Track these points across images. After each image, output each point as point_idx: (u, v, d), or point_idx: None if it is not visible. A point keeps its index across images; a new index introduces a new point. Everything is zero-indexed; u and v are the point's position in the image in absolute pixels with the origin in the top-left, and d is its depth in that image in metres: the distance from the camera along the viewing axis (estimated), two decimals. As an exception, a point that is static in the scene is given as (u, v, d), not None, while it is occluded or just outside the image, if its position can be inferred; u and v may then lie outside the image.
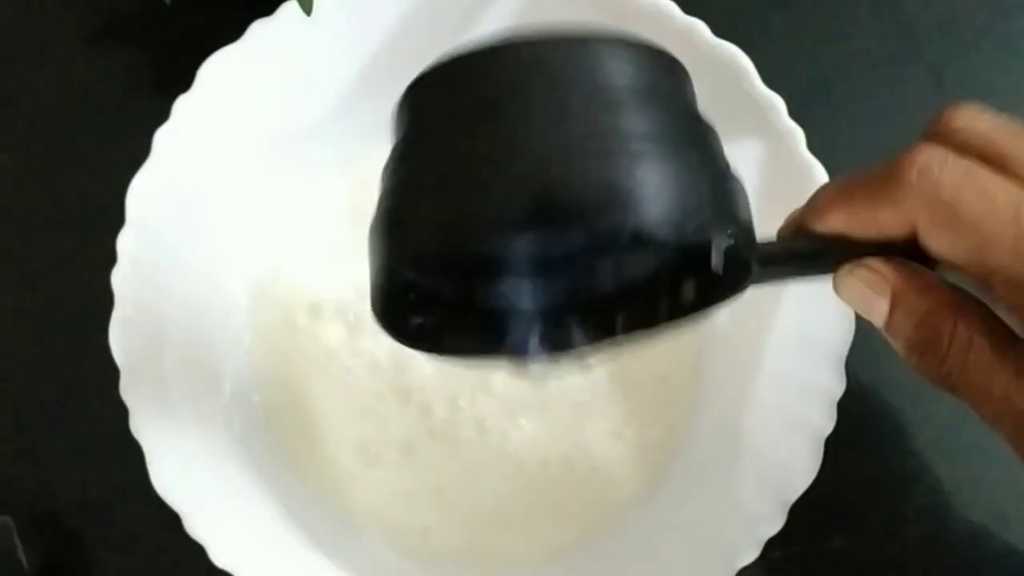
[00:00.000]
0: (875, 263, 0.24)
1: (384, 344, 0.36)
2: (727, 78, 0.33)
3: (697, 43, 0.33)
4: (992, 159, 0.22)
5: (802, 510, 0.31)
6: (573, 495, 0.35)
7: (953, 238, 0.22)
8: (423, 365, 0.35)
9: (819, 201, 0.24)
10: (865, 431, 0.37)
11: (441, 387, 0.35)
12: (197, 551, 0.30)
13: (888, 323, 0.24)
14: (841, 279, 0.24)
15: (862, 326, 0.32)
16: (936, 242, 0.22)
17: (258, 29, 0.34)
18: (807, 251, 0.25)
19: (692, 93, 0.23)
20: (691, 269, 0.24)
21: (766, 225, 0.35)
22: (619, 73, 0.21)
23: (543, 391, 0.35)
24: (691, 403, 0.36)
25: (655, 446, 0.36)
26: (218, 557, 0.30)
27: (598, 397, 0.36)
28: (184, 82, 0.33)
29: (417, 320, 0.24)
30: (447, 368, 0.35)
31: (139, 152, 0.32)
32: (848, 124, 0.39)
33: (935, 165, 0.22)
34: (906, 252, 0.23)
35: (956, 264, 0.22)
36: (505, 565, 0.35)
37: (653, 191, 0.20)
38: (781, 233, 0.26)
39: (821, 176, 0.33)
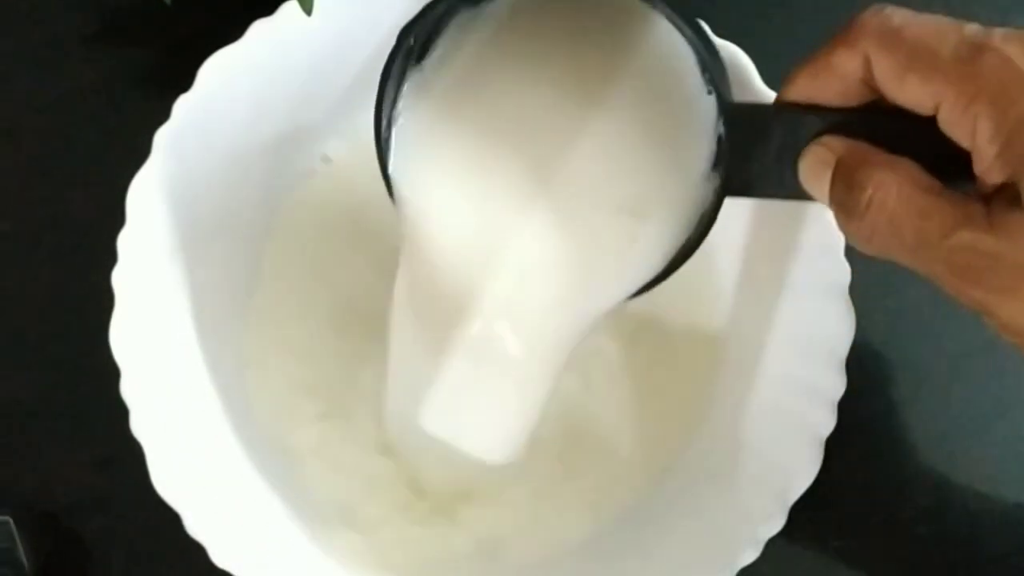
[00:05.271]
0: (826, 139, 0.26)
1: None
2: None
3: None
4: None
5: (802, 510, 0.31)
6: (573, 495, 0.35)
7: (901, 57, 0.24)
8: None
9: (789, 73, 0.26)
10: (865, 431, 0.37)
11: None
12: (197, 551, 0.30)
13: (830, 191, 0.25)
14: (801, 161, 0.26)
15: (862, 326, 0.32)
16: (885, 66, 0.24)
17: (258, 29, 0.34)
18: (777, 128, 0.27)
19: None
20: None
21: (766, 225, 0.35)
22: None
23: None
24: (692, 403, 0.36)
25: (656, 447, 0.36)
26: (218, 557, 0.30)
27: (599, 398, 0.36)
28: (184, 82, 0.33)
29: None
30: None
31: (139, 152, 0.32)
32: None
33: (886, 7, 0.25)
34: (870, 128, 0.25)
35: (906, 97, 0.24)
36: (504, 564, 0.35)
37: None
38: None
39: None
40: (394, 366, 0.32)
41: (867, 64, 0.25)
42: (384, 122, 0.28)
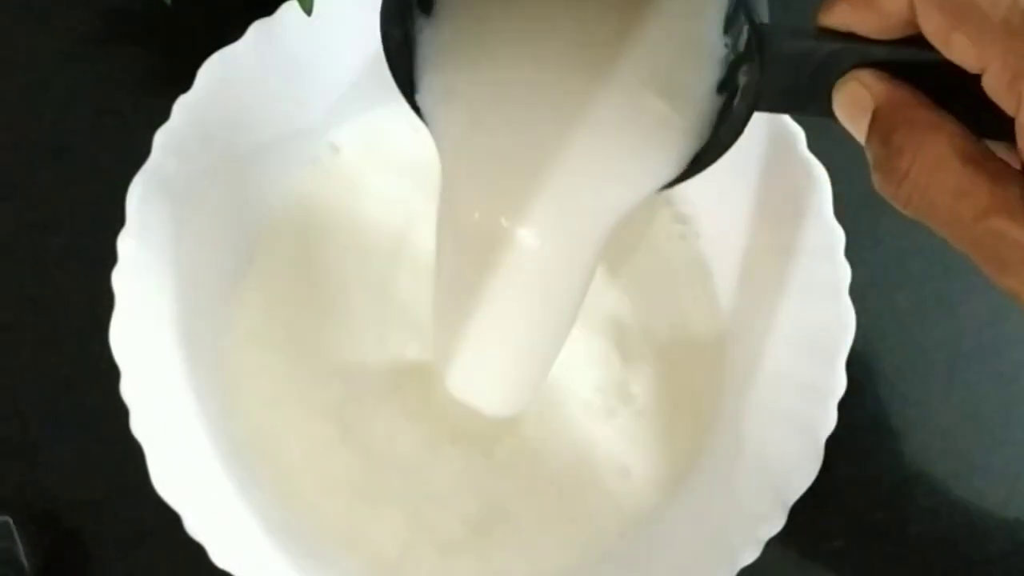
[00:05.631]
0: (865, 76, 0.24)
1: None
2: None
3: (697, 43, 0.33)
4: None
5: (802, 510, 0.31)
6: (581, 513, 0.35)
7: (947, 14, 0.22)
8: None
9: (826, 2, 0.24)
10: (865, 431, 0.37)
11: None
12: (197, 551, 0.30)
13: (867, 140, 0.24)
14: (835, 93, 0.25)
15: (862, 326, 0.32)
16: (931, 20, 0.22)
17: (258, 29, 0.34)
18: (817, 55, 0.25)
19: None
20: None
21: (767, 225, 0.35)
22: None
23: (549, 392, 0.35)
24: (696, 407, 0.36)
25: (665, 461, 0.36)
26: (218, 557, 0.30)
27: (600, 398, 0.36)
28: (184, 82, 0.33)
29: None
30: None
31: (139, 152, 0.32)
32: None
33: None
34: (913, 66, 0.24)
35: (951, 54, 0.23)
36: (502, 563, 0.35)
37: None
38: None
39: (821, 176, 0.33)
40: (435, 321, 0.32)
41: (912, 8, 0.23)
42: (397, 41, 0.27)
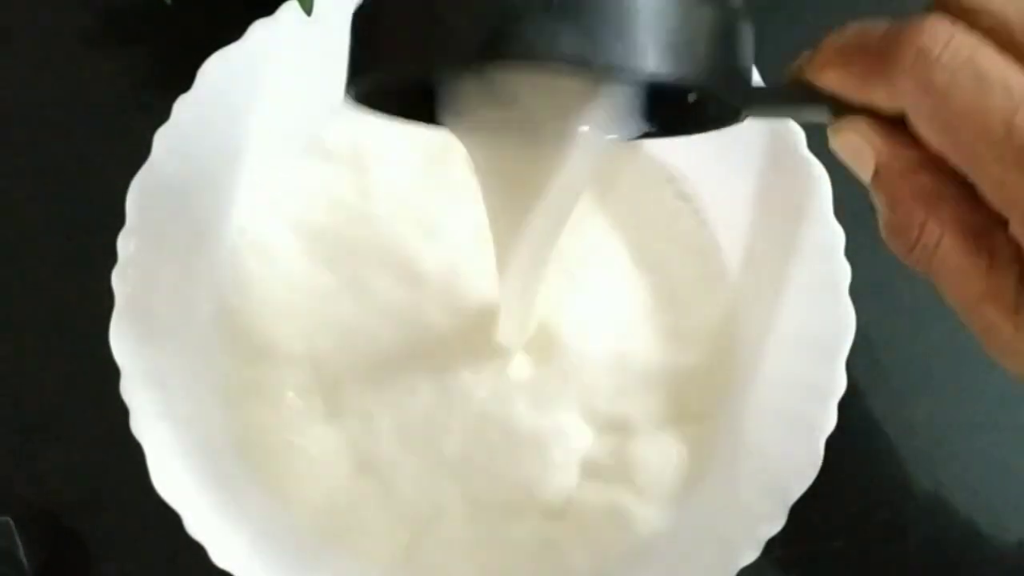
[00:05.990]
0: (864, 128, 0.23)
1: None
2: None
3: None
4: (1003, 42, 0.21)
5: (802, 510, 0.31)
6: (592, 522, 0.35)
7: (940, 133, 0.21)
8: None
9: (819, 56, 0.23)
10: (865, 431, 0.37)
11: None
12: (197, 551, 0.30)
13: (872, 185, 0.23)
14: (833, 133, 0.24)
15: (862, 326, 0.32)
16: (923, 131, 0.22)
17: (258, 29, 0.34)
18: (803, 99, 0.24)
19: None
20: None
21: (767, 225, 0.35)
22: None
23: (551, 394, 0.35)
24: (692, 404, 0.36)
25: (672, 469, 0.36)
26: (218, 557, 0.30)
27: (602, 400, 0.36)
28: (184, 82, 0.33)
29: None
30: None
31: (139, 152, 0.32)
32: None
33: (936, 47, 0.21)
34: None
35: (943, 154, 0.22)
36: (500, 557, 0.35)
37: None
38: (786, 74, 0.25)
39: (821, 176, 0.33)
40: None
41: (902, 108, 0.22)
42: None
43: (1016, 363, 0.22)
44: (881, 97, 0.22)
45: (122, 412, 0.31)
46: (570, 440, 0.35)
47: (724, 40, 0.22)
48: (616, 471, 0.35)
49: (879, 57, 0.22)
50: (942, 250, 0.22)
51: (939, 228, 0.22)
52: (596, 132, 0.26)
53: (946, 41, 0.21)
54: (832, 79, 0.23)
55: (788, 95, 0.24)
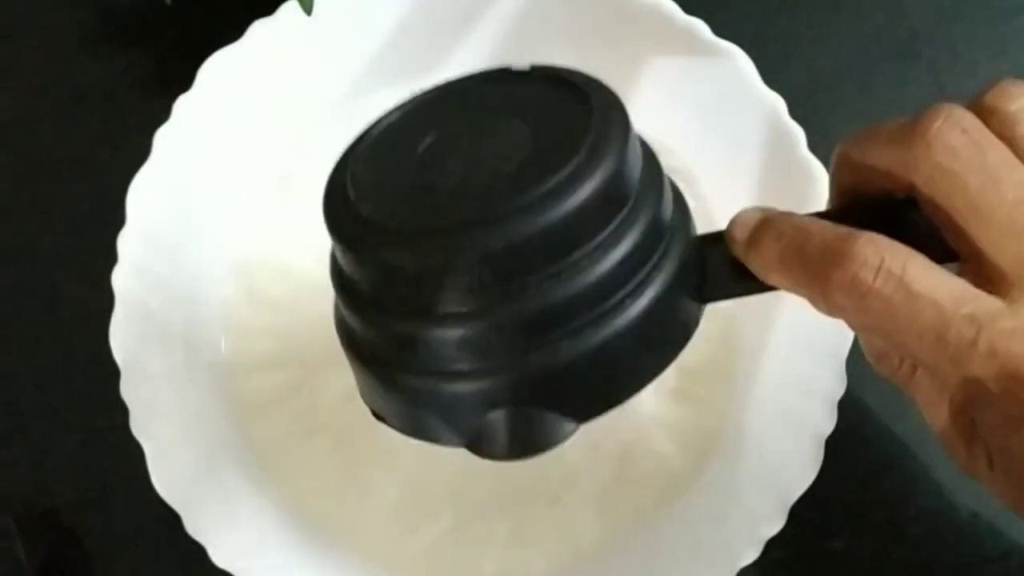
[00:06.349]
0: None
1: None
2: (727, 78, 0.33)
3: (697, 43, 0.33)
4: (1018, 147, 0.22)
5: (802, 510, 0.31)
6: (591, 511, 0.35)
7: (877, 337, 0.23)
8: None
9: (762, 256, 0.24)
10: (865, 431, 0.37)
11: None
12: (197, 551, 0.30)
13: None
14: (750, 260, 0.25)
15: (862, 326, 0.32)
16: (861, 331, 0.25)
17: (258, 29, 0.34)
18: (755, 287, 0.25)
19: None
20: None
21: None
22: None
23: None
24: (693, 404, 0.36)
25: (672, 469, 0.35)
26: (218, 557, 0.30)
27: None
28: (184, 82, 0.33)
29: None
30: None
31: (139, 152, 0.32)
32: (848, 124, 0.39)
33: (868, 276, 0.21)
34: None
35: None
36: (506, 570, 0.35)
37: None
38: None
39: (821, 176, 0.33)
40: None
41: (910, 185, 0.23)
42: None
43: (974, 479, 0.25)
44: (820, 303, 0.23)
45: (122, 412, 0.31)
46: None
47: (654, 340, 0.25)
48: (616, 470, 0.35)
49: (817, 273, 0.22)
50: (916, 379, 0.25)
51: (911, 367, 0.26)
52: None
53: (876, 267, 0.21)
54: (777, 281, 0.24)
55: (742, 288, 0.25)
